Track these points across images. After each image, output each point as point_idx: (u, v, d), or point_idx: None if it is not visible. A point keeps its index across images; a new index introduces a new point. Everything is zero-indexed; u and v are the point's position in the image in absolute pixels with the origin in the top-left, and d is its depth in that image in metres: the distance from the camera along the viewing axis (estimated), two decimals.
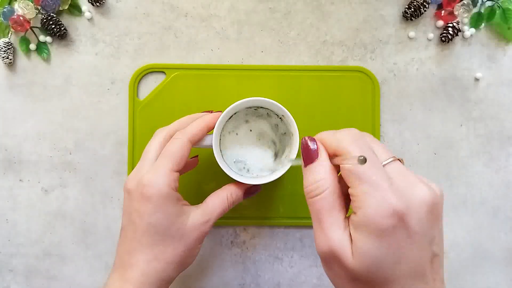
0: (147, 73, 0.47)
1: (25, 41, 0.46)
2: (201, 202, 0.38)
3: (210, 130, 0.38)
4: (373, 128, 0.46)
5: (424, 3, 0.46)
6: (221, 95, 0.46)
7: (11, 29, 0.46)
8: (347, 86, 0.47)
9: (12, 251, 0.47)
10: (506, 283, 0.48)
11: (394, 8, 0.48)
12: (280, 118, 0.41)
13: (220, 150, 0.41)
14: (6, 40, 0.46)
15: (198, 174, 0.45)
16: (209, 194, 0.38)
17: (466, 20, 0.47)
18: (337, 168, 0.30)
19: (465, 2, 0.47)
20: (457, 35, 0.47)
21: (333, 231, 0.28)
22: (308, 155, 0.30)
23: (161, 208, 0.34)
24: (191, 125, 0.38)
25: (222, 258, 0.47)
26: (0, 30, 0.46)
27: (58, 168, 0.47)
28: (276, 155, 0.42)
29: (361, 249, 0.26)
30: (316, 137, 0.32)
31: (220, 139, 0.41)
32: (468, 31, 0.47)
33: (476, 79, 0.48)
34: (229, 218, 0.45)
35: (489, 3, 0.47)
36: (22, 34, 0.46)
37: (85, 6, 0.47)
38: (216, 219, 0.37)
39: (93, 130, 0.47)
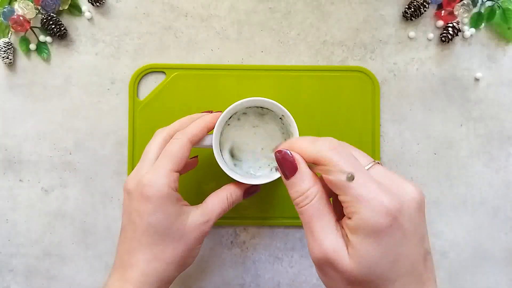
0: (147, 73, 0.47)
1: (25, 41, 0.46)
2: (201, 202, 0.38)
3: (210, 130, 0.38)
4: (373, 128, 0.46)
5: (424, 3, 0.46)
6: (221, 95, 0.46)
7: (11, 29, 0.46)
8: (347, 86, 0.47)
9: (12, 251, 0.47)
10: (506, 283, 0.48)
11: (394, 8, 0.48)
12: (280, 118, 0.41)
13: (220, 150, 0.41)
14: (6, 40, 0.46)
15: (198, 174, 0.45)
16: (209, 194, 0.38)
17: (466, 20, 0.47)
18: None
19: (465, 2, 0.47)
20: (457, 35, 0.47)
21: (325, 237, 0.28)
22: (287, 169, 0.30)
23: (161, 208, 0.34)
24: (191, 125, 0.38)
25: (222, 258, 0.47)
26: (0, 30, 0.46)
27: (58, 168, 0.47)
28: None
29: (359, 251, 0.27)
30: (290, 146, 0.31)
31: (220, 139, 0.41)
32: (468, 31, 0.47)
33: (476, 79, 0.48)
34: (229, 218, 0.45)
35: (489, 3, 0.47)
36: (22, 34, 0.46)
37: (85, 6, 0.47)
38: (216, 219, 0.37)
39: (93, 130, 0.47)
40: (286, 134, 0.41)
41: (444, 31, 0.47)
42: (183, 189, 0.38)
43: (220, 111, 0.39)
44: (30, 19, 0.46)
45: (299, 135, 0.37)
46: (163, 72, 0.47)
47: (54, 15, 0.46)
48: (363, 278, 0.27)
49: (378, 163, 0.30)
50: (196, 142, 0.37)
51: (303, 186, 0.29)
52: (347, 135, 0.46)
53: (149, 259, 0.34)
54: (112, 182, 0.47)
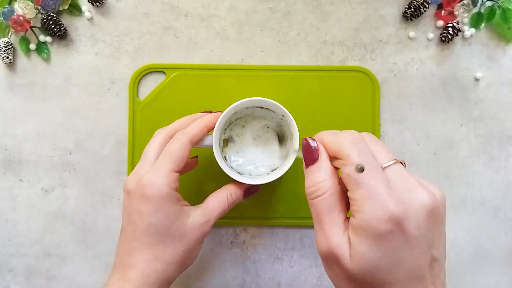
0: (147, 73, 0.47)
1: (25, 41, 0.46)
2: (201, 202, 0.38)
3: (210, 130, 0.38)
4: (373, 128, 0.46)
5: (424, 3, 0.46)
6: (221, 95, 0.46)
7: (11, 29, 0.46)
8: (347, 86, 0.47)
9: (12, 251, 0.47)
10: (506, 283, 0.48)
11: (394, 8, 0.48)
12: (280, 118, 0.41)
13: (220, 150, 0.41)
14: (6, 40, 0.46)
15: (198, 174, 0.45)
16: (209, 194, 0.38)
17: (466, 20, 0.47)
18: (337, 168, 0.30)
19: (465, 2, 0.47)
20: (457, 35, 0.47)
21: (332, 233, 0.28)
22: (309, 156, 0.31)
23: (161, 208, 0.34)
24: (191, 125, 0.38)
25: (222, 258, 0.47)
26: (0, 30, 0.46)
27: (58, 168, 0.47)
28: (276, 155, 0.42)
29: (358, 252, 0.27)
30: (316, 137, 0.32)
31: (220, 139, 0.41)
32: (468, 31, 0.47)
33: (476, 79, 0.48)
34: (229, 218, 0.45)
35: (489, 3, 0.47)
36: (22, 34, 0.46)
37: (85, 6, 0.47)
38: (216, 219, 0.37)
39: (93, 130, 0.47)
40: (286, 134, 0.41)
41: (444, 31, 0.47)
42: (183, 189, 0.38)
43: (220, 111, 0.39)
44: (30, 19, 0.46)
45: (300, 135, 0.37)
46: (163, 72, 0.47)
47: (54, 15, 0.46)
48: (362, 277, 0.27)
49: (401, 162, 0.29)
50: (196, 142, 0.37)
51: (319, 177, 0.29)
52: None
53: (149, 259, 0.34)
54: (112, 182, 0.47)
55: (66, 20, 0.47)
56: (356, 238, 0.27)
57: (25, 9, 0.45)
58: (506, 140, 0.48)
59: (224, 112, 0.38)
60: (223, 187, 0.39)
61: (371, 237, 0.26)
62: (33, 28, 0.46)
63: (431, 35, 0.47)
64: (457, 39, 0.48)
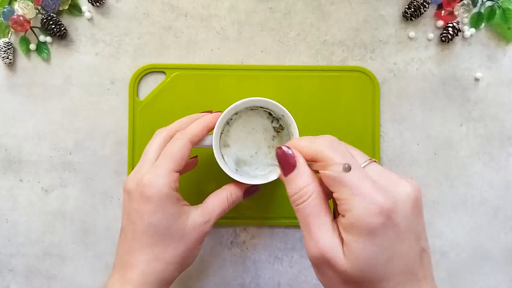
0: (147, 73, 0.47)
1: (25, 41, 0.46)
2: (201, 202, 0.38)
3: (210, 130, 0.38)
4: (373, 128, 0.46)
5: (424, 3, 0.46)
6: (221, 95, 0.46)
7: (11, 29, 0.46)
8: (347, 86, 0.47)
9: (12, 251, 0.47)
10: (506, 283, 0.48)
11: (394, 8, 0.48)
12: (280, 118, 0.41)
13: (220, 150, 0.41)
14: (6, 40, 0.46)
15: (198, 174, 0.45)
16: (209, 194, 0.38)
17: (466, 20, 0.47)
18: (316, 171, 0.30)
19: (465, 2, 0.47)
20: (457, 35, 0.47)
21: (322, 235, 0.28)
22: (287, 163, 0.31)
23: (161, 208, 0.34)
24: (191, 125, 0.38)
25: (222, 258, 0.47)
26: (0, 30, 0.46)
27: (58, 168, 0.47)
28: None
29: (353, 250, 0.27)
30: (289, 144, 0.32)
31: (220, 139, 0.41)
32: (468, 31, 0.47)
33: (476, 79, 0.48)
34: (229, 218, 0.45)
35: (489, 3, 0.47)
36: (22, 34, 0.46)
37: (85, 6, 0.47)
38: (216, 219, 0.37)
39: (93, 130, 0.47)
40: (286, 133, 0.41)
41: (444, 31, 0.47)
42: (183, 189, 0.38)
43: (220, 111, 0.39)
44: (30, 19, 0.46)
45: (299, 135, 0.37)
46: (163, 72, 0.47)
47: (54, 15, 0.46)
48: (358, 276, 0.27)
49: (375, 161, 0.30)
50: (196, 142, 0.37)
51: (300, 183, 0.30)
52: (347, 135, 0.46)
53: (150, 259, 0.34)
54: (112, 182, 0.47)
55: (66, 20, 0.47)
56: (350, 237, 0.27)
57: (25, 9, 0.45)
58: (506, 140, 0.48)
59: (224, 112, 0.38)
60: (223, 187, 0.39)
61: (364, 233, 0.26)
62: (33, 28, 0.46)
63: (431, 35, 0.47)
64: (457, 39, 0.48)
